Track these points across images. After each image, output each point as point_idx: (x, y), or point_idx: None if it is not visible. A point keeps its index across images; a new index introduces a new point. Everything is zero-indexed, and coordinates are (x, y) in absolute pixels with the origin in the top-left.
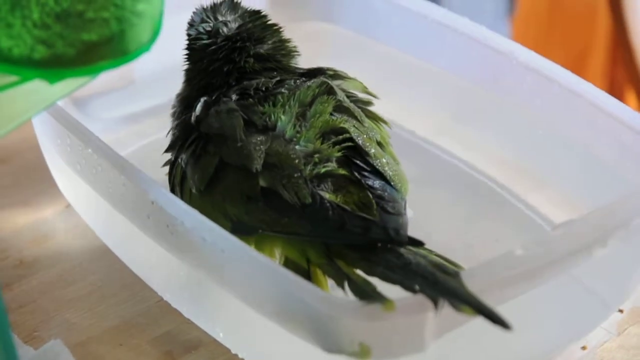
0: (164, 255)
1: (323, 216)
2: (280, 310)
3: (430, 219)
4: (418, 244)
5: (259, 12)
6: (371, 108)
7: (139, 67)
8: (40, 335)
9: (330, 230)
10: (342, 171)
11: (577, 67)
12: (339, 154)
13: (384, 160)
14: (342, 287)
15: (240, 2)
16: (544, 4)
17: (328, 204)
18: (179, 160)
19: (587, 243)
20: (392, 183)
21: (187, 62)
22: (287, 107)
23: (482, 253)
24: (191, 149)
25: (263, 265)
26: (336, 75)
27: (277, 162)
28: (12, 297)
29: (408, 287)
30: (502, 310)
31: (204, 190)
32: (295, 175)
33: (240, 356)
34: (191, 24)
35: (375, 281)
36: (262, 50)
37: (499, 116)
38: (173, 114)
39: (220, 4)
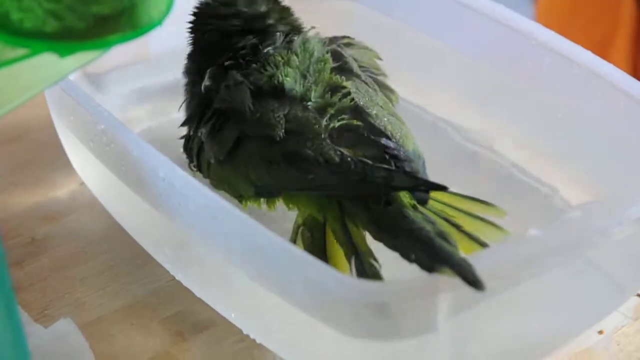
0: (176, 233)
1: (345, 170)
2: (290, 288)
3: None
4: (441, 188)
5: None
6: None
7: (154, 42)
8: (50, 313)
9: (354, 183)
10: (357, 122)
11: (601, 52)
12: (352, 103)
13: (386, 120)
14: (349, 261)
15: None
16: None
17: (349, 159)
18: (198, 134)
19: (605, 226)
20: (398, 142)
21: (191, 31)
22: (289, 66)
23: None
24: (211, 123)
25: (272, 242)
26: (349, 44)
27: (298, 129)
28: (24, 274)
29: (405, 255)
30: (517, 293)
31: (224, 160)
32: (318, 140)
33: (251, 337)
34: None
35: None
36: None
37: (518, 97)
38: (185, 85)
39: None
